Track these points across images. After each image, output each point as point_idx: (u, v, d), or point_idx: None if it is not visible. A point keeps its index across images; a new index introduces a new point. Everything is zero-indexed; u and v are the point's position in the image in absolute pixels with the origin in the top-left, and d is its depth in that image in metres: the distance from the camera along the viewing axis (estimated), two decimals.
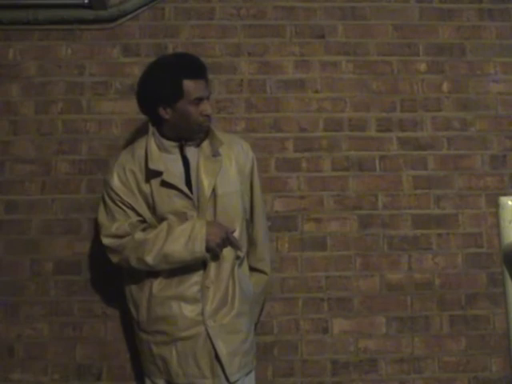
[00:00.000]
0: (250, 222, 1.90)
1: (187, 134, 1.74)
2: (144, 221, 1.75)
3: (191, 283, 1.70)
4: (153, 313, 1.72)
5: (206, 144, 1.77)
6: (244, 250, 1.82)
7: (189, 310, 1.69)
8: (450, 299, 2.20)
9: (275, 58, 2.29)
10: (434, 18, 2.36)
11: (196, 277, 1.71)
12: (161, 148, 1.74)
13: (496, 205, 1.00)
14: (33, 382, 2.08)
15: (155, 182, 1.71)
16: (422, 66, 2.33)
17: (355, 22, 2.33)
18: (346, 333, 2.16)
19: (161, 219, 1.72)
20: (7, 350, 2.09)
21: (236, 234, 1.75)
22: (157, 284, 1.72)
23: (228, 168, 1.78)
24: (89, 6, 2.22)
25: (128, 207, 1.73)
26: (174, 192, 1.70)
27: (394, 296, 2.19)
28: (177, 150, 1.76)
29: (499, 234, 1.00)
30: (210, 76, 2.23)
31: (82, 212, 2.17)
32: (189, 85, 1.66)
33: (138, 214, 1.74)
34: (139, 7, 2.27)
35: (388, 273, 2.19)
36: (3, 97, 2.22)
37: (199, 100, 1.69)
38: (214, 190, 1.73)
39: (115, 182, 1.74)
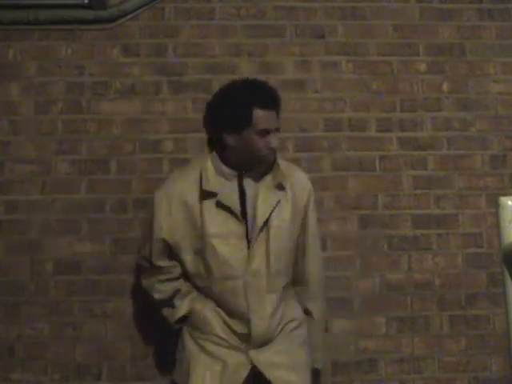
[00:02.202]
0: (301, 257, 1.77)
1: (248, 163, 1.66)
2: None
3: (239, 320, 1.64)
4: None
5: (269, 177, 1.69)
6: (286, 282, 1.72)
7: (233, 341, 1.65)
8: (449, 299, 2.19)
9: (275, 58, 2.29)
10: (434, 17, 2.36)
11: (240, 310, 1.64)
12: (218, 173, 1.67)
13: (496, 205, 1.00)
14: (33, 382, 2.08)
15: (208, 204, 1.65)
16: (422, 66, 2.33)
17: (355, 21, 2.33)
18: (346, 333, 2.15)
19: (206, 242, 1.65)
20: (7, 350, 2.09)
21: (283, 268, 1.69)
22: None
23: (284, 199, 1.70)
24: (89, 6, 2.22)
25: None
26: (226, 215, 1.64)
27: (394, 296, 2.19)
28: (235, 179, 1.68)
29: (499, 234, 1.00)
30: (210, 76, 2.25)
31: (81, 212, 2.17)
32: (259, 114, 1.59)
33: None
34: (139, 7, 2.27)
35: (388, 273, 2.19)
36: (3, 97, 2.22)
37: (266, 132, 1.62)
38: (268, 221, 1.65)
39: (162, 229, 1.70)
